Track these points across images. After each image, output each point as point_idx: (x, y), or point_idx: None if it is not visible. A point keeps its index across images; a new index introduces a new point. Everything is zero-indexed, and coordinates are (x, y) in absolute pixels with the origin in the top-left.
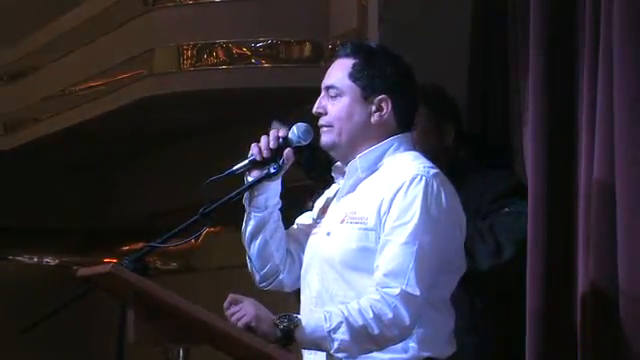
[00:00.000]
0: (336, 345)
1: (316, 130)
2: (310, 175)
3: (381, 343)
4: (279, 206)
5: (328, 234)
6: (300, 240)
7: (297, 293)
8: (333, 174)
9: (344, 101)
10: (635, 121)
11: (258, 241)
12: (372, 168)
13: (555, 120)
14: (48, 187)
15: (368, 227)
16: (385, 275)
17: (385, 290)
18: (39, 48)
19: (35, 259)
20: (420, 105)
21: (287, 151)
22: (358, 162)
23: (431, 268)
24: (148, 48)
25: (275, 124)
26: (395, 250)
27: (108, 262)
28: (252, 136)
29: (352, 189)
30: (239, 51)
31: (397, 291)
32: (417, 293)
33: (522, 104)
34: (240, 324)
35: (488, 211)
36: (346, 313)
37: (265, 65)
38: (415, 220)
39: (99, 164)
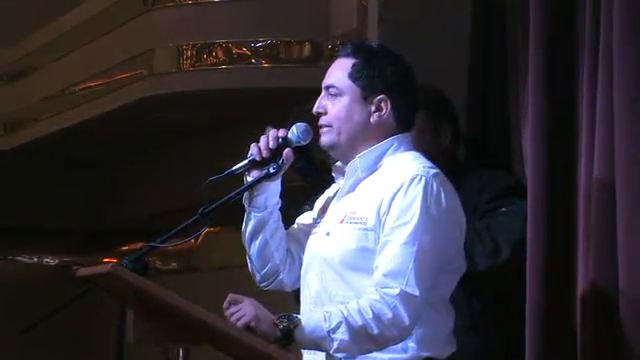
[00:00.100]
0: (335, 345)
1: (316, 130)
2: (305, 179)
3: (380, 343)
4: (279, 206)
5: (328, 234)
6: (300, 240)
7: (295, 293)
8: (333, 174)
9: (344, 101)
10: (635, 121)
11: (258, 241)
12: (372, 168)
13: (555, 120)
14: (48, 187)
15: (368, 227)
16: (385, 275)
17: (385, 290)
18: (39, 48)
19: (35, 259)
20: None
21: (287, 151)
22: (358, 162)
23: (431, 268)
24: (148, 48)
25: (269, 129)
26: (395, 250)
27: (108, 262)
28: (252, 136)
29: (352, 189)
30: (239, 51)
31: (397, 291)
32: (417, 293)
33: (521, 104)
34: (240, 324)
35: (485, 210)
36: (345, 313)
37: (265, 65)
38: (415, 220)
39: (99, 164)
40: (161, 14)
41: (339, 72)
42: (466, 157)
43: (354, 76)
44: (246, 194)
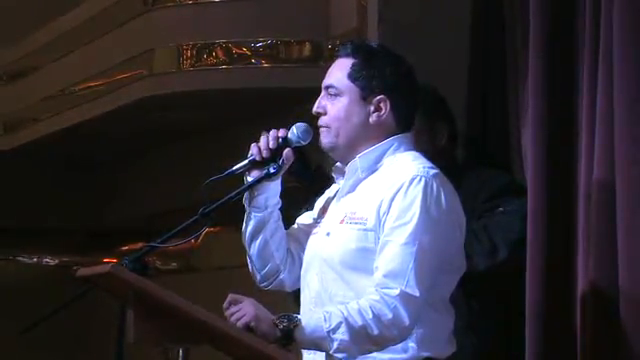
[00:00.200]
0: (335, 345)
1: (315, 130)
2: (301, 182)
3: (380, 343)
4: (279, 206)
5: (328, 234)
6: (300, 240)
7: (295, 293)
8: (333, 174)
9: (343, 101)
10: (635, 121)
11: (258, 241)
12: (372, 168)
13: (555, 120)
14: (48, 187)
15: (367, 227)
16: (385, 276)
17: (385, 291)
18: (39, 48)
19: (35, 259)
20: None
21: (287, 151)
22: (358, 162)
23: (431, 269)
24: (148, 48)
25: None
26: (395, 250)
27: (108, 262)
28: (252, 136)
29: (352, 189)
30: (239, 51)
31: (397, 292)
32: (417, 294)
33: (521, 104)
34: (239, 324)
35: (483, 210)
36: (346, 313)
37: (265, 65)
38: (415, 220)
39: (99, 164)
40: (161, 14)
41: (338, 72)
42: (466, 157)
43: (353, 76)
44: (246, 194)
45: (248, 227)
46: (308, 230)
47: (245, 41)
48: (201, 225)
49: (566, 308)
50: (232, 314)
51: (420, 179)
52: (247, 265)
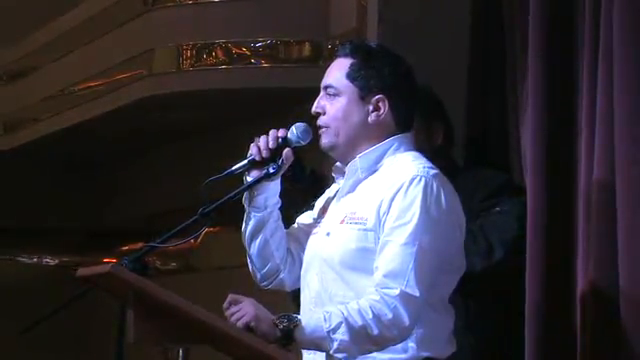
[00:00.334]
0: (335, 345)
1: (315, 131)
2: (295, 186)
3: (380, 343)
4: (279, 205)
5: (328, 234)
6: (300, 240)
7: (294, 293)
8: (333, 174)
9: (341, 101)
10: (635, 121)
11: (258, 241)
12: (372, 168)
13: (555, 120)
14: (48, 187)
15: (367, 228)
16: (385, 276)
17: (385, 291)
18: (39, 48)
19: (35, 259)
20: None
21: (286, 151)
22: (358, 162)
23: (431, 269)
24: (148, 48)
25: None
26: (395, 251)
27: (108, 262)
28: (251, 136)
29: (352, 189)
30: (238, 51)
31: (397, 292)
32: (417, 294)
33: (520, 104)
34: (239, 324)
35: (480, 210)
36: (346, 313)
37: (264, 65)
38: (415, 221)
39: (99, 164)
40: (161, 14)
41: (337, 72)
42: (465, 157)
43: (352, 76)
44: (246, 194)
45: (248, 227)
46: (308, 230)
47: (245, 41)
48: (201, 225)
49: (566, 308)
50: (232, 314)
51: (420, 179)
52: (247, 265)
